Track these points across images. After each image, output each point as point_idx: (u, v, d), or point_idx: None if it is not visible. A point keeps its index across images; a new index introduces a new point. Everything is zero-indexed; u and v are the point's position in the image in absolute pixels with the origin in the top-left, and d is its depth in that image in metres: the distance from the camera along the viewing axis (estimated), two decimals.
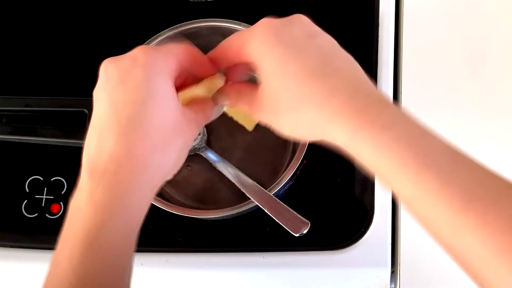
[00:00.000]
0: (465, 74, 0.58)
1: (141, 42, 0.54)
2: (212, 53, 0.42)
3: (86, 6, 0.65)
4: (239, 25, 0.54)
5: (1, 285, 0.56)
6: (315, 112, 0.34)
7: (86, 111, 0.54)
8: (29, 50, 0.63)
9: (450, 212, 0.30)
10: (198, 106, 0.42)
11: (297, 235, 0.48)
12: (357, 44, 0.59)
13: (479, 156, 0.32)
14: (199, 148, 0.55)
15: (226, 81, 0.44)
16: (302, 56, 0.36)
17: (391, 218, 0.54)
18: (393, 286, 0.54)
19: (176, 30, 0.55)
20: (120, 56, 0.39)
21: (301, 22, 0.38)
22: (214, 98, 0.43)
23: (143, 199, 0.37)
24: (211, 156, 0.54)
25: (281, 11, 0.62)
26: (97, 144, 0.37)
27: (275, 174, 0.54)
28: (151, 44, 0.54)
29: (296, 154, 0.51)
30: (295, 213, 0.48)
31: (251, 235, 0.55)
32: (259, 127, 0.55)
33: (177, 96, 0.42)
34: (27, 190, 0.57)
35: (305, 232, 0.48)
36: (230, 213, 0.50)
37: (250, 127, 0.55)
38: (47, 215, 0.56)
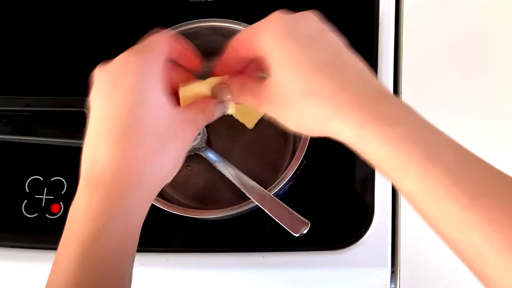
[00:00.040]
0: (465, 74, 0.58)
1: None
2: (224, 53, 0.42)
3: (86, 6, 0.65)
4: (239, 25, 0.54)
5: (1, 285, 0.56)
6: (323, 106, 0.34)
7: (86, 111, 0.54)
8: (29, 50, 0.63)
9: (456, 208, 0.30)
10: (197, 107, 0.42)
11: (297, 235, 0.48)
12: (357, 44, 0.59)
13: (481, 154, 0.32)
14: (199, 148, 0.55)
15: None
16: (313, 49, 0.36)
17: (391, 218, 0.54)
18: (393, 286, 0.54)
19: (176, 30, 0.55)
20: (110, 62, 0.39)
21: (313, 18, 0.38)
22: (215, 92, 0.42)
23: (140, 205, 0.37)
24: (211, 156, 0.54)
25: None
26: (92, 153, 0.37)
27: (275, 174, 0.54)
28: None
29: (296, 154, 0.51)
30: (295, 213, 0.48)
31: (251, 235, 0.55)
32: (259, 125, 0.55)
33: (179, 91, 0.42)
34: (27, 190, 0.57)
35: (305, 232, 0.48)
36: (230, 213, 0.50)
37: (250, 125, 0.55)
38: (47, 215, 0.56)
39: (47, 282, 0.35)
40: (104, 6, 0.64)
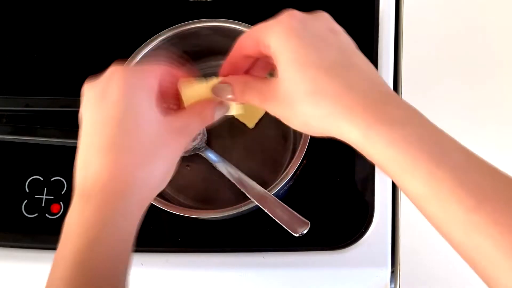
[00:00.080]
0: (465, 74, 0.58)
1: (141, 42, 0.54)
2: (231, 51, 0.41)
3: (86, 6, 0.65)
4: (239, 25, 0.54)
5: (1, 285, 0.56)
6: (329, 106, 0.34)
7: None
8: (29, 50, 0.63)
9: (462, 210, 0.30)
10: (190, 112, 0.41)
11: (297, 235, 0.48)
12: (357, 44, 0.59)
13: (481, 155, 0.32)
14: (199, 148, 0.55)
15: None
16: (322, 49, 0.36)
17: (391, 218, 0.54)
18: (393, 286, 0.54)
19: (176, 30, 0.55)
20: (101, 77, 0.39)
21: (324, 18, 0.39)
22: (214, 92, 0.42)
23: (132, 214, 0.37)
24: (211, 156, 0.54)
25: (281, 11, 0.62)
26: (84, 165, 0.37)
27: (275, 174, 0.54)
28: (150, 45, 0.54)
29: (296, 154, 0.51)
30: (295, 213, 0.48)
31: (251, 235, 0.55)
32: (259, 125, 0.55)
33: (180, 91, 0.42)
34: (27, 190, 0.57)
35: (305, 232, 0.48)
36: (230, 213, 0.50)
37: (251, 124, 0.55)
38: (47, 215, 0.56)
39: None
40: (104, 6, 0.64)
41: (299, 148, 0.51)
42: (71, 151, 0.55)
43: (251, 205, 0.49)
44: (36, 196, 0.57)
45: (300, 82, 0.35)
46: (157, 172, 0.38)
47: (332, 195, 0.56)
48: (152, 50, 0.55)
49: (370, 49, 0.59)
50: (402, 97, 0.58)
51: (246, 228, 0.55)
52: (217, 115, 0.42)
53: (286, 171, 0.50)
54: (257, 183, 0.51)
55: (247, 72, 0.43)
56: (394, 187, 0.55)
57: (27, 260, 0.55)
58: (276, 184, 0.50)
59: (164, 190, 0.54)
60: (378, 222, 0.54)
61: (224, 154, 0.55)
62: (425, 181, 0.31)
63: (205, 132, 0.56)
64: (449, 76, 0.59)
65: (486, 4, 0.60)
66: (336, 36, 0.37)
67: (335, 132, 0.35)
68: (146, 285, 0.55)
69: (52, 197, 0.57)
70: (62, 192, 0.57)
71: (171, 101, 0.43)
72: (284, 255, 0.54)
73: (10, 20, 0.65)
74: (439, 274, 0.53)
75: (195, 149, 0.55)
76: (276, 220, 0.48)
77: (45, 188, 0.57)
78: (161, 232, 0.56)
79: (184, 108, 0.42)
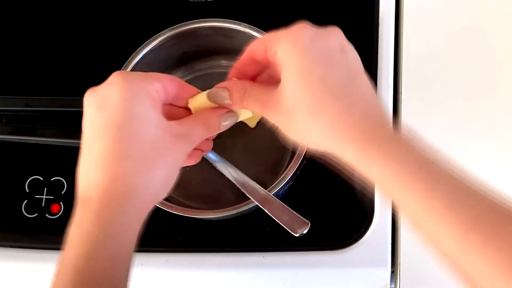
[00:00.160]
0: (465, 74, 0.58)
1: (141, 42, 0.54)
2: (241, 55, 0.41)
3: (86, 6, 0.65)
4: (239, 25, 0.54)
5: (1, 285, 0.56)
6: (327, 127, 0.35)
7: None
8: (29, 50, 0.63)
9: (455, 235, 0.31)
10: (194, 119, 0.41)
11: (297, 235, 0.48)
12: (357, 44, 0.59)
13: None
14: None
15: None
16: (328, 67, 0.36)
17: (391, 218, 0.54)
18: (393, 286, 0.54)
19: (176, 30, 0.55)
20: (103, 84, 0.39)
21: (335, 34, 0.38)
22: (210, 97, 0.42)
23: (131, 222, 0.37)
24: (211, 156, 0.54)
25: (282, 11, 0.62)
26: (85, 174, 0.37)
27: (275, 174, 0.54)
28: (150, 45, 0.54)
29: (296, 154, 0.51)
30: (295, 213, 0.48)
31: (251, 235, 0.55)
32: (259, 125, 0.55)
33: (188, 102, 0.42)
34: (27, 190, 0.57)
35: (305, 232, 0.48)
36: (230, 213, 0.50)
37: (252, 124, 0.55)
38: (47, 215, 0.56)
39: None
40: (104, 6, 0.64)
41: (299, 148, 0.51)
42: (71, 151, 0.55)
43: (251, 205, 0.49)
44: (36, 196, 0.57)
45: (301, 97, 0.36)
46: (157, 178, 0.38)
47: (332, 195, 0.56)
48: (152, 50, 0.55)
49: (370, 49, 0.59)
50: (402, 97, 0.58)
51: (246, 228, 0.55)
52: (226, 123, 0.42)
53: (286, 171, 0.51)
54: (257, 183, 0.51)
55: (253, 79, 0.43)
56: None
57: (27, 260, 0.55)
58: (276, 184, 0.50)
59: None
60: (378, 222, 0.54)
61: (224, 154, 0.55)
62: (418, 205, 0.32)
63: None
64: (449, 76, 0.59)
65: (486, 4, 0.60)
66: (343, 55, 0.37)
67: (332, 150, 0.36)
68: (146, 285, 0.55)
69: (52, 197, 0.57)
70: (62, 192, 0.57)
71: (180, 110, 0.43)
72: (284, 255, 0.54)
73: (10, 20, 0.65)
74: (439, 274, 0.53)
75: None
76: (276, 220, 0.48)
77: (45, 188, 0.57)
78: (161, 232, 0.56)
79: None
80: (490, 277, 0.29)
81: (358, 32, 0.60)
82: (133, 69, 0.54)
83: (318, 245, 0.54)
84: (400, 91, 0.58)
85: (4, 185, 0.58)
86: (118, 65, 0.53)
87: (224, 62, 0.60)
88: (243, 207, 0.49)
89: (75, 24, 0.64)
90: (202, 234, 0.56)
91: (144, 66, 0.54)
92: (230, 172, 0.53)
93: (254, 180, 0.51)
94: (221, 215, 0.50)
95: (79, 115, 0.54)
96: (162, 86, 0.40)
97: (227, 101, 0.41)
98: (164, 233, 0.56)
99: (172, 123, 0.39)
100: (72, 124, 0.54)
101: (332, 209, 0.55)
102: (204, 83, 0.56)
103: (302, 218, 0.48)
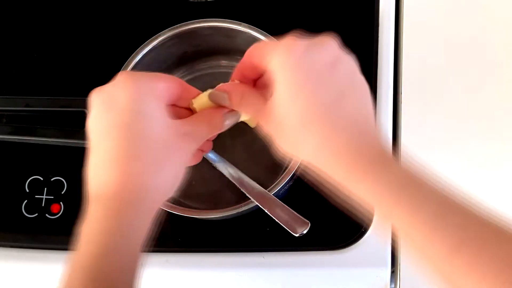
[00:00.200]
0: (465, 74, 0.58)
1: (141, 42, 0.54)
2: (243, 57, 0.42)
3: (86, 6, 0.65)
4: (239, 25, 0.54)
5: (1, 285, 0.56)
6: (316, 147, 0.36)
7: (86, 111, 0.54)
8: (29, 50, 0.63)
9: (441, 256, 0.31)
10: (198, 119, 0.42)
11: (297, 235, 0.48)
12: (357, 44, 0.59)
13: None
14: None
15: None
16: (316, 88, 0.36)
17: None
18: (393, 286, 0.54)
19: (176, 30, 0.55)
20: (109, 84, 0.39)
21: (327, 47, 0.37)
22: (211, 97, 0.42)
23: (143, 221, 0.37)
24: (211, 156, 0.54)
25: (282, 11, 0.62)
26: (95, 173, 0.37)
27: (275, 174, 0.54)
28: (150, 45, 0.54)
29: None
30: (295, 213, 0.48)
31: (251, 235, 0.55)
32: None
33: (190, 103, 0.42)
34: (27, 190, 0.57)
35: (305, 232, 0.48)
36: (230, 213, 0.50)
37: (253, 123, 0.55)
38: (47, 215, 0.56)
39: None
40: (104, 6, 0.64)
41: None
42: (71, 151, 0.56)
43: (251, 205, 0.49)
44: (36, 196, 0.57)
45: (291, 115, 0.36)
46: (167, 178, 0.38)
47: (332, 195, 0.55)
48: (152, 50, 0.55)
49: (370, 49, 0.59)
50: (402, 97, 0.58)
51: (246, 228, 0.55)
52: (228, 123, 0.43)
53: (286, 171, 0.50)
54: (257, 183, 0.51)
55: (254, 81, 0.43)
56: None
57: (27, 260, 0.55)
58: (276, 184, 0.50)
59: None
60: (378, 222, 0.54)
61: (224, 154, 0.55)
62: (404, 225, 0.33)
63: None
64: (449, 76, 0.59)
65: (486, 4, 0.60)
66: (334, 70, 0.36)
67: (320, 166, 0.36)
68: (146, 285, 0.55)
69: (52, 197, 0.57)
70: (62, 192, 0.57)
71: (182, 111, 0.43)
72: (284, 255, 0.54)
73: (10, 20, 0.65)
74: None
75: None
76: (276, 220, 0.48)
77: (45, 188, 0.57)
78: (161, 232, 0.56)
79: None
80: None
81: (358, 32, 0.60)
82: (133, 69, 0.53)
83: (318, 245, 0.54)
84: (400, 91, 0.58)
85: (4, 185, 0.58)
86: (118, 65, 0.53)
87: (224, 62, 0.60)
88: (243, 207, 0.49)
89: (75, 24, 0.64)
90: (202, 234, 0.56)
91: (144, 66, 0.54)
92: (230, 172, 0.53)
93: (254, 180, 0.51)
94: (221, 215, 0.50)
95: (79, 115, 0.55)
96: (167, 86, 0.40)
97: (228, 102, 0.42)
98: (164, 233, 0.56)
99: (178, 122, 0.39)
100: (72, 124, 0.55)
101: (332, 209, 0.55)
102: (204, 83, 0.56)
103: (302, 218, 0.48)
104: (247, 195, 0.50)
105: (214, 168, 0.54)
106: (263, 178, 0.54)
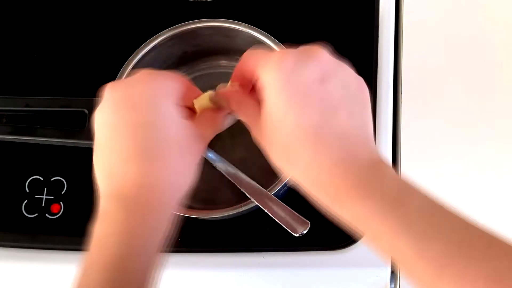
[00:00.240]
0: (465, 74, 0.58)
1: (141, 42, 0.54)
2: (240, 61, 0.42)
3: (86, 6, 0.65)
4: (239, 25, 0.54)
5: (1, 285, 0.56)
6: (302, 171, 0.36)
7: (86, 111, 0.54)
8: (29, 50, 0.63)
9: (426, 279, 0.31)
10: (204, 122, 0.42)
11: (297, 235, 0.48)
12: (357, 44, 0.59)
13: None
14: None
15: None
16: (305, 106, 0.35)
17: None
18: (393, 286, 0.54)
19: (176, 30, 0.55)
20: (125, 80, 0.39)
21: (317, 61, 0.36)
22: (213, 102, 0.43)
23: (161, 222, 0.38)
24: (211, 156, 0.54)
25: (282, 11, 0.62)
26: (110, 172, 0.37)
27: (275, 174, 0.54)
28: (150, 45, 0.54)
29: None
30: (295, 213, 0.48)
31: (251, 235, 0.55)
32: None
33: (193, 103, 0.43)
34: (27, 190, 0.57)
35: (305, 232, 0.48)
36: (230, 213, 0.50)
37: None
38: (47, 215, 0.56)
39: None
40: (104, 6, 0.64)
41: None
42: (71, 151, 0.56)
43: (251, 205, 0.49)
44: (36, 196, 0.57)
45: (281, 131, 0.36)
46: (183, 179, 0.39)
47: None
48: (152, 50, 0.55)
49: (370, 49, 0.59)
50: (402, 97, 0.58)
51: (246, 228, 0.55)
52: (227, 123, 0.44)
53: None
54: (257, 183, 0.51)
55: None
56: None
57: (27, 260, 0.55)
58: (276, 184, 0.50)
59: None
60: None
61: (224, 154, 0.55)
62: (390, 248, 0.33)
63: None
64: (449, 76, 0.59)
65: (486, 4, 0.60)
66: (322, 87, 0.35)
67: (310, 186, 0.36)
68: None
69: (52, 197, 0.57)
70: (62, 192, 0.57)
71: (184, 110, 0.44)
72: (284, 255, 0.54)
73: (10, 20, 0.65)
74: None
75: None
76: (276, 220, 0.48)
77: (45, 188, 0.57)
78: None
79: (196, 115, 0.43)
80: None
81: (358, 32, 0.60)
82: (133, 69, 0.53)
83: (318, 245, 0.54)
84: (400, 91, 0.58)
85: (4, 185, 0.58)
86: (118, 65, 0.53)
87: (224, 62, 0.60)
88: (243, 207, 0.49)
89: (75, 24, 0.64)
90: (202, 234, 0.56)
91: (144, 66, 0.54)
92: (230, 172, 0.53)
93: (254, 180, 0.51)
94: (221, 215, 0.50)
95: (79, 115, 0.55)
96: (179, 86, 0.40)
97: (226, 107, 0.43)
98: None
99: (190, 123, 0.40)
100: (72, 124, 0.55)
101: None
102: (204, 83, 0.57)
103: (302, 218, 0.48)
104: (247, 195, 0.50)
105: (214, 168, 0.54)
106: (263, 178, 0.54)
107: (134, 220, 0.36)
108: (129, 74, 0.53)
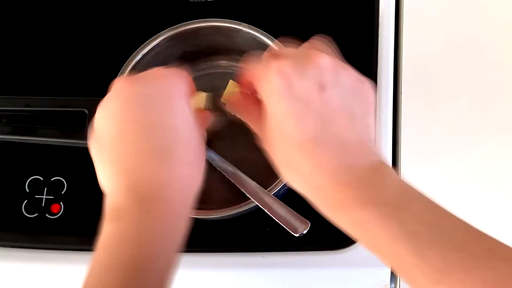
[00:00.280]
0: (465, 74, 0.59)
1: (141, 42, 0.54)
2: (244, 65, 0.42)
3: (86, 6, 0.65)
4: (239, 25, 0.54)
5: (1, 285, 0.56)
6: (302, 179, 0.36)
7: (86, 111, 0.54)
8: (29, 50, 0.63)
9: (426, 284, 0.31)
10: (203, 121, 0.43)
11: (297, 235, 0.48)
12: (357, 44, 0.59)
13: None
14: None
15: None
16: (302, 119, 0.35)
17: None
18: (393, 286, 0.54)
19: (176, 30, 0.55)
20: (137, 76, 0.39)
21: (317, 67, 0.35)
22: (225, 101, 0.44)
23: (182, 219, 0.38)
24: (211, 156, 0.54)
25: (282, 11, 0.62)
26: (127, 169, 0.36)
27: (275, 174, 0.54)
28: (150, 45, 0.54)
29: None
30: (295, 213, 0.48)
31: (251, 235, 0.55)
32: None
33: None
34: (27, 190, 0.57)
35: (305, 232, 0.48)
36: (230, 213, 0.50)
37: None
38: (47, 215, 0.56)
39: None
40: (104, 6, 0.64)
41: None
42: (71, 151, 0.56)
43: (251, 205, 0.49)
44: (36, 196, 0.57)
45: (279, 143, 0.36)
46: (196, 179, 0.39)
47: None
48: (152, 50, 0.55)
49: (370, 49, 0.59)
50: (402, 97, 0.58)
51: (246, 228, 0.55)
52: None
53: None
54: (257, 183, 0.51)
55: None
56: None
57: (27, 260, 0.55)
58: (276, 184, 0.50)
59: None
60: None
61: (224, 154, 0.55)
62: (389, 258, 0.33)
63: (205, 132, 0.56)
64: (449, 75, 0.59)
65: (486, 4, 0.60)
66: (321, 96, 0.35)
67: (311, 195, 0.37)
68: None
69: (52, 197, 0.57)
70: (62, 192, 0.57)
71: None
72: (284, 255, 0.54)
73: (10, 20, 0.65)
74: None
75: None
76: (276, 220, 0.48)
77: (45, 188, 0.57)
78: None
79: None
80: None
81: (358, 31, 0.60)
82: (133, 69, 0.54)
83: (318, 245, 0.54)
84: (400, 91, 0.58)
85: (4, 185, 0.58)
86: (118, 65, 0.53)
87: (224, 62, 0.60)
88: (243, 207, 0.49)
89: (75, 24, 0.64)
90: (202, 234, 0.55)
91: (144, 66, 0.54)
92: (230, 172, 0.53)
93: (254, 180, 0.51)
94: (221, 215, 0.50)
95: (79, 115, 0.55)
96: (188, 84, 0.40)
97: (236, 113, 0.44)
98: None
99: (197, 125, 0.40)
100: (72, 124, 0.55)
101: None
102: (204, 83, 0.57)
103: (302, 218, 0.48)
104: (247, 195, 0.50)
105: (214, 168, 0.54)
106: (263, 178, 0.54)
107: (154, 218, 0.35)
108: (129, 74, 0.53)
